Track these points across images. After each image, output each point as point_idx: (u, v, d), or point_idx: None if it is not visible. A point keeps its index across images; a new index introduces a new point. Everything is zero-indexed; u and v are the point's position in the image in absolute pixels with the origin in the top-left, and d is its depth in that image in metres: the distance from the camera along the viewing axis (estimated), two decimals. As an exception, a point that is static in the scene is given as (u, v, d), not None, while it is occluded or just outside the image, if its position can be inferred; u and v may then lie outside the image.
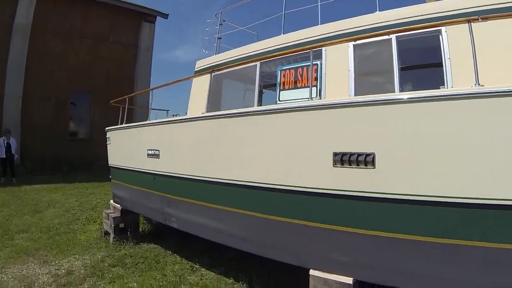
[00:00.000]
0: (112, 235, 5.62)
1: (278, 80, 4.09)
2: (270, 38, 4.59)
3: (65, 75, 13.75)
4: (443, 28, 3.07)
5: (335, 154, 2.64)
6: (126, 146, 5.66)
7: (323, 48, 3.71)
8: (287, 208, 3.01)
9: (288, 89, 3.98)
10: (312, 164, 2.81)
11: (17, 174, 11.45)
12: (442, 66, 3.07)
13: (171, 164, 4.31)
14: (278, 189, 3.01)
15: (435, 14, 3.19)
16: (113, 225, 5.65)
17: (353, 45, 3.56)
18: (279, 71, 4.10)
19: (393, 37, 3.32)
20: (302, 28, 4.37)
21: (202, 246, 4.99)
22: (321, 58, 3.81)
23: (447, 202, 2.20)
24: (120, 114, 6.57)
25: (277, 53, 3.99)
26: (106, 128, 6.38)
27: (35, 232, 5.85)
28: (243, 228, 3.39)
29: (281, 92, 4.05)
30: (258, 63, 4.27)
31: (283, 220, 3.02)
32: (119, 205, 5.90)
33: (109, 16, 15.01)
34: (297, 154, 2.93)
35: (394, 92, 3.17)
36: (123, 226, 5.75)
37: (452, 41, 3.02)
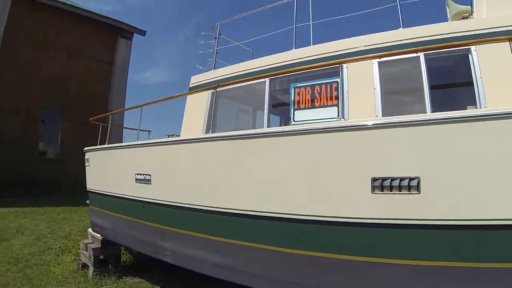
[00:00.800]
0: (91, 268, 5.21)
1: (292, 98, 3.75)
2: (281, 53, 4.27)
3: (36, 88, 13.03)
4: (472, 47, 2.98)
5: (374, 180, 2.47)
6: (108, 169, 5.31)
7: (344, 65, 3.47)
8: (315, 240, 2.79)
9: (304, 108, 3.66)
10: (347, 191, 2.62)
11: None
12: (473, 85, 2.94)
13: (166, 191, 4.02)
14: (304, 220, 2.79)
15: (464, 33, 3.11)
16: (92, 257, 5.25)
17: (378, 62, 3.34)
18: (293, 89, 3.78)
19: (421, 55, 3.17)
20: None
21: (192, 280, 4.71)
22: (341, 75, 3.50)
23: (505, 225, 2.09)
24: (100, 133, 6.25)
25: (291, 69, 3.71)
26: (85, 148, 6.00)
27: (1, 264, 5.32)
28: (261, 264, 3.11)
29: (296, 111, 3.71)
30: (267, 80, 3.96)
31: (311, 254, 2.78)
32: (99, 235, 5.51)
33: (84, 28, 14.52)
34: (328, 179, 2.73)
35: (425, 112, 3.03)
36: (102, 257, 5.36)
37: (483, 60, 2.91)
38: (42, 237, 6.91)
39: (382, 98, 3.32)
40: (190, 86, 5.26)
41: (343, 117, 3.40)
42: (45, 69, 13.43)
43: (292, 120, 3.76)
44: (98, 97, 15.05)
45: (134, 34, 16.61)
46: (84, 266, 5.43)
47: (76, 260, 5.78)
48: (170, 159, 4.07)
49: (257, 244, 3.11)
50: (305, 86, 3.70)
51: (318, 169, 2.79)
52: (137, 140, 4.73)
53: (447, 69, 3.53)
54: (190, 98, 4.83)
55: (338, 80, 3.52)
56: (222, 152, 3.51)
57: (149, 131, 7.14)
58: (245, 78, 4.12)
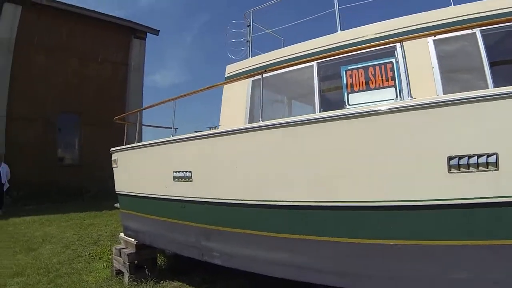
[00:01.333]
0: (127, 275, 4.79)
1: (344, 82, 3.61)
2: (328, 35, 4.13)
3: (52, 94, 12.82)
4: None
5: (450, 159, 2.30)
6: (140, 169, 4.88)
7: (398, 45, 3.28)
8: (392, 228, 2.56)
9: (358, 91, 3.53)
10: (423, 172, 2.41)
11: (3, 204, 10.31)
12: None
13: (210, 187, 3.62)
14: (381, 206, 2.54)
15: None
16: (127, 263, 4.83)
17: (433, 40, 3.30)
18: (344, 71, 3.62)
19: (477, 31, 3.10)
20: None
21: (236, 281, 4.32)
22: (396, 55, 3.40)
23: None
24: (126, 133, 5.85)
25: (341, 51, 3.48)
26: (112, 149, 5.59)
27: (31, 275, 4.93)
28: (327, 257, 2.86)
29: (349, 95, 3.57)
30: (314, 64, 3.83)
31: (388, 242, 2.54)
32: (133, 239, 5.09)
33: (97, 31, 14.28)
34: (404, 162, 2.50)
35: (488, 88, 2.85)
36: (137, 263, 4.95)
37: None
38: (70, 245, 6.56)
39: (442, 76, 3.27)
40: (226, 75, 4.90)
41: (402, 98, 3.30)
42: (60, 74, 13.23)
43: (346, 103, 3.59)
44: (115, 99, 14.80)
45: (148, 34, 16.31)
46: (119, 272, 5.03)
47: (108, 266, 5.39)
48: (213, 153, 3.65)
49: (325, 237, 2.86)
50: (357, 68, 3.59)
51: (392, 152, 2.57)
52: (174, 136, 4.29)
53: (505, 44, 3.44)
54: (228, 88, 4.53)
55: (393, 60, 3.43)
56: (277, 141, 3.14)
57: (176, 128, 6.70)
58: (292, 63, 3.79)
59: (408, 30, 3.53)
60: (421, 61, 3.24)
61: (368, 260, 2.65)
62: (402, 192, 2.50)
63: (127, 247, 5.22)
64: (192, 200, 3.79)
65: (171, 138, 4.16)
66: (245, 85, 4.22)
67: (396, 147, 2.53)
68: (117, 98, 15.01)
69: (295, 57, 4.23)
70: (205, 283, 4.57)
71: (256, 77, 4.14)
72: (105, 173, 14.66)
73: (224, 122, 4.40)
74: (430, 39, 3.32)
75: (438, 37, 3.24)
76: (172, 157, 4.12)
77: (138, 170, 4.94)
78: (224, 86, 4.49)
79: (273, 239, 3.12)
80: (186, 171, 3.82)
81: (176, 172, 3.95)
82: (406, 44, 3.18)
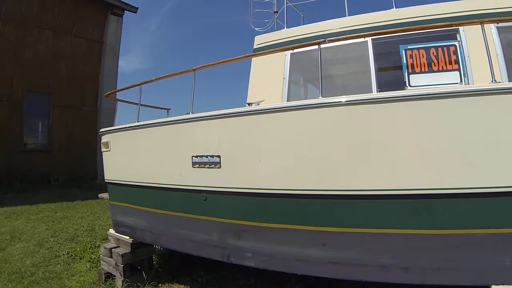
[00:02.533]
0: (120, 279, 4.08)
1: (404, 62, 3.46)
2: (384, 11, 3.99)
3: (19, 71, 11.38)
4: None
5: None
6: (142, 154, 4.10)
7: (461, 28, 3.34)
8: (474, 216, 2.38)
9: (420, 72, 3.41)
10: None
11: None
12: None
13: (250, 175, 3.04)
14: (480, 193, 2.29)
15: None
16: (121, 265, 4.12)
17: (497, 27, 3.29)
18: (403, 51, 3.48)
19: None
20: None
21: (245, 282, 3.86)
22: (460, 38, 3.40)
23: None
24: (116, 112, 5.03)
25: (399, 29, 3.38)
26: (102, 130, 4.75)
27: (2, 282, 4.09)
28: (394, 252, 2.59)
29: (410, 75, 3.44)
30: (369, 39, 3.69)
31: (466, 232, 2.37)
32: (127, 237, 4.35)
33: (71, 4, 12.88)
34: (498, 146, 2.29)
35: None
36: (131, 264, 4.25)
37: None
38: (44, 242, 5.64)
39: (507, 64, 3.25)
40: (256, 47, 4.42)
41: (468, 83, 3.27)
42: (29, 49, 11.79)
43: (407, 84, 3.45)
44: (88, 80, 13.57)
45: (125, 11, 15.02)
46: (109, 276, 4.30)
47: (93, 268, 4.63)
48: (255, 134, 3.08)
49: (391, 229, 2.59)
50: (418, 49, 3.48)
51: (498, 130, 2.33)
52: (191, 113, 3.56)
53: None
54: (260, 61, 4.13)
55: (456, 43, 3.40)
56: (341, 121, 2.71)
57: (168, 109, 5.90)
58: (342, 37, 3.47)
59: (474, 14, 3.47)
60: (484, 47, 2.90)
61: (437, 252, 2.45)
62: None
63: (119, 246, 4.46)
64: (219, 191, 3.19)
65: (192, 115, 3.41)
66: (282, 58, 3.88)
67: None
68: (90, 79, 13.75)
69: (344, 31, 3.91)
70: (211, 285, 3.99)
71: (295, 50, 3.86)
72: (75, 159, 13.71)
73: (254, 99, 3.88)
74: (493, 26, 3.27)
75: (501, 24, 3.23)
76: (191, 138, 3.43)
77: (139, 155, 4.15)
78: (253, 59, 4.09)
79: (330, 235, 2.74)
80: (213, 156, 3.17)
81: (197, 156, 3.28)
82: (470, 28, 3.22)
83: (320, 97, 2.81)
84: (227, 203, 3.20)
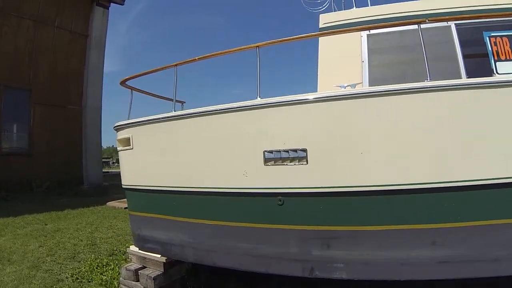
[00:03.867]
0: (153, 310, 3.21)
1: (490, 49, 3.32)
2: None
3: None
4: None
5: None
6: (185, 151, 3.25)
7: None
8: None
9: (506, 60, 3.26)
10: None
11: None
12: None
13: (348, 171, 2.60)
14: None
15: None
16: (154, 291, 3.26)
17: None
18: (488, 38, 3.32)
19: None
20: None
21: None
22: None
23: None
24: (130, 103, 4.14)
25: (487, 15, 3.41)
26: (119, 124, 3.83)
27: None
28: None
29: (497, 63, 3.27)
30: (452, 24, 3.54)
31: None
32: (158, 255, 3.49)
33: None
34: None
35: None
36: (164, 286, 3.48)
37: None
38: (40, 263, 4.61)
39: None
40: (321, 27, 4.11)
41: None
42: (8, 41, 10.48)
43: (495, 72, 3.26)
44: (72, 76, 12.37)
45: (111, 4, 13.87)
46: (135, 306, 3.43)
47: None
48: (354, 122, 2.63)
49: (504, 220, 2.43)
50: (502, 36, 3.36)
51: None
52: (259, 98, 2.80)
53: None
54: (328, 42, 3.82)
55: None
56: (461, 107, 2.51)
57: (183, 101, 5.13)
58: (420, 20, 3.08)
59: None
60: None
61: None
62: None
63: (146, 267, 3.63)
64: (304, 192, 2.68)
65: (263, 101, 2.77)
66: (357, 39, 3.67)
67: None
68: (74, 75, 12.56)
69: (423, 14, 3.61)
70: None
71: (372, 31, 3.67)
72: (59, 163, 12.41)
73: (328, 82, 3.53)
74: None
75: None
76: (263, 129, 2.82)
77: (177, 153, 3.31)
78: (321, 39, 3.81)
79: (450, 231, 2.48)
80: (296, 150, 2.64)
81: (271, 151, 2.70)
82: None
83: (428, 79, 2.58)
84: (313, 207, 2.70)
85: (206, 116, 3.04)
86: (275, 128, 2.78)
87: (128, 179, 3.80)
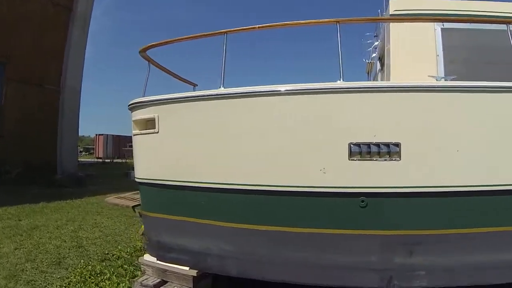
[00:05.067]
0: None
1: None
2: None
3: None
4: None
5: None
6: (242, 138, 2.62)
7: None
8: None
9: None
10: None
11: None
12: None
13: (449, 168, 2.39)
14: None
15: None
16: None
17: None
18: None
19: None
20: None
21: None
22: None
23: None
24: (147, 77, 3.35)
25: None
26: (137, 101, 3.02)
27: None
28: None
29: None
30: None
31: None
32: (186, 267, 2.84)
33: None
34: None
35: None
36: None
37: None
38: (18, 272, 3.69)
39: None
40: (392, 13, 3.77)
41: None
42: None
43: None
44: (52, 52, 11.11)
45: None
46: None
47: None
48: (454, 118, 2.43)
49: None
50: None
51: None
52: (341, 81, 2.43)
53: None
54: (400, 29, 3.58)
55: None
56: None
57: (195, 84, 4.51)
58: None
59: None
60: None
61: None
62: None
63: (168, 282, 2.95)
64: (393, 192, 2.39)
65: (351, 84, 2.42)
66: (430, 32, 3.40)
67: None
68: (55, 52, 11.32)
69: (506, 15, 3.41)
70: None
71: (447, 25, 3.38)
72: (32, 147, 11.06)
73: (400, 73, 3.32)
74: None
75: None
76: (349, 118, 2.46)
77: (231, 140, 2.64)
78: (392, 25, 3.57)
79: None
80: (388, 144, 2.35)
81: (358, 145, 2.37)
82: None
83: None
84: (401, 209, 2.46)
85: (274, 97, 2.49)
86: (364, 117, 2.43)
87: (147, 172, 2.99)
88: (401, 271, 2.50)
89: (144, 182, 3.03)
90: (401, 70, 3.34)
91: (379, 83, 2.62)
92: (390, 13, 3.84)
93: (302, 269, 2.58)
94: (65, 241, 4.93)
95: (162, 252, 2.97)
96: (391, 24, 3.60)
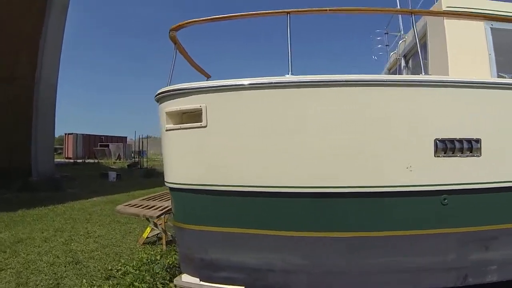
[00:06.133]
0: None
1: None
2: None
3: None
4: None
5: None
6: (321, 134, 2.31)
7: None
8: None
9: None
10: None
11: None
12: None
13: None
14: None
15: None
16: None
17: None
18: None
19: None
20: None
21: None
22: None
23: None
24: (174, 60, 2.80)
25: None
26: (175, 88, 2.46)
27: None
28: None
29: None
30: None
31: None
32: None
33: None
34: None
35: None
36: None
37: None
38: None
39: None
40: (445, 8, 3.53)
41: None
42: None
43: None
44: (24, 42, 10.08)
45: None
46: None
47: None
48: None
49: None
50: None
51: None
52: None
53: None
54: (455, 27, 3.41)
55: None
56: None
57: (209, 75, 4.21)
58: None
59: None
60: None
61: None
62: None
63: None
64: (473, 188, 2.39)
65: (433, 77, 2.46)
66: (481, 30, 3.34)
67: None
68: (28, 41, 10.27)
69: None
70: None
71: (495, 25, 3.32)
72: (2, 148, 9.94)
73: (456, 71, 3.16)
74: None
75: None
76: (435, 113, 2.42)
77: (309, 135, 2.30)
78: (446, 20, 3.38)
79: None
80: (470, 140, 2.37)
81: (443, 141, 2.33)
82: None
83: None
84: (480, 204, 2.50)
85: (358, 87, 2.31)
86: (448, 112, 2.43)
87: (189, 175, 2.42)
88: (476, 267, 2.58)
89: (182, 188, 2.46)
90: (458, 67, 3.20)
91: (464, 79, 2.44)
92: (443, 8, 3.59)
93: (381, 276, 2.46)
94: (58, 257, 4.23)
95: (208, 272, 2.49)
96: (446, 20, 3.41)
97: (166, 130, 2.48)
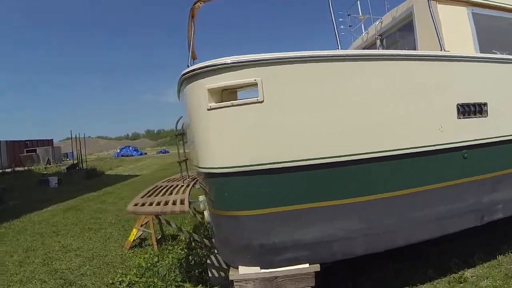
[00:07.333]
0: None
1: None
2: None
3: None
4: None
5: None
6: (378, 102, 2.49)
7: None
8: None
9: None
10: None
11: None
12: None
13: None
14: None
15: None
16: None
17: None
18: None
19: None
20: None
21: None
22: None
23: None
24: (193, 37, 2.69)
25: None
26: (219, 62, 2.18)
27: None
28: None
29: None
30: None
31: None
32: (305, 264, 2.43)
33: None
34: None
35: None
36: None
37: None
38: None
39: None
40: None
41: None
42: None
43: None
44: None
45: None
46: None
47: None
48: None
49: None
50: None
51: None
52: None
53: None
54: (447, 11, 3.63)
55: None
56: None
57: (195, 57, 3.84)
58: None
59: None
60: None
61: None
62: None
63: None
64: (483, 143, 2.89)
65: (452, 53, 2.82)
66: (463, 14, 3.62)
67: None
68: None
69: None
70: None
71: (476, 10, 3.61)
72: None
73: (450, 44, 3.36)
74: None
75: None
76: (457, 82, 2.85)
77: (370, 104, 2.45)
78: (440, 8, 3.61)
79: None
80: (480, 104, 2.84)
81: (462, 105, 2.75)
82: None
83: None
84: (487, 156, 2.97)
85: (411, 61, 2.62)
86: (466, 82, 2.86)
87: (241, 156, 2.21)
88: (488, 207, 3.07)
89: (232, 172, 2.23)
90: (449, 46, 3.42)
91: (480, 55, 3.10)
92: None
93: (423, 226, 2.78)
94: (45, 281, 3.79)
95: (269, 257, 2.37)
96: (438, 5, 3.65)
97: (210, 109, 2.20)
